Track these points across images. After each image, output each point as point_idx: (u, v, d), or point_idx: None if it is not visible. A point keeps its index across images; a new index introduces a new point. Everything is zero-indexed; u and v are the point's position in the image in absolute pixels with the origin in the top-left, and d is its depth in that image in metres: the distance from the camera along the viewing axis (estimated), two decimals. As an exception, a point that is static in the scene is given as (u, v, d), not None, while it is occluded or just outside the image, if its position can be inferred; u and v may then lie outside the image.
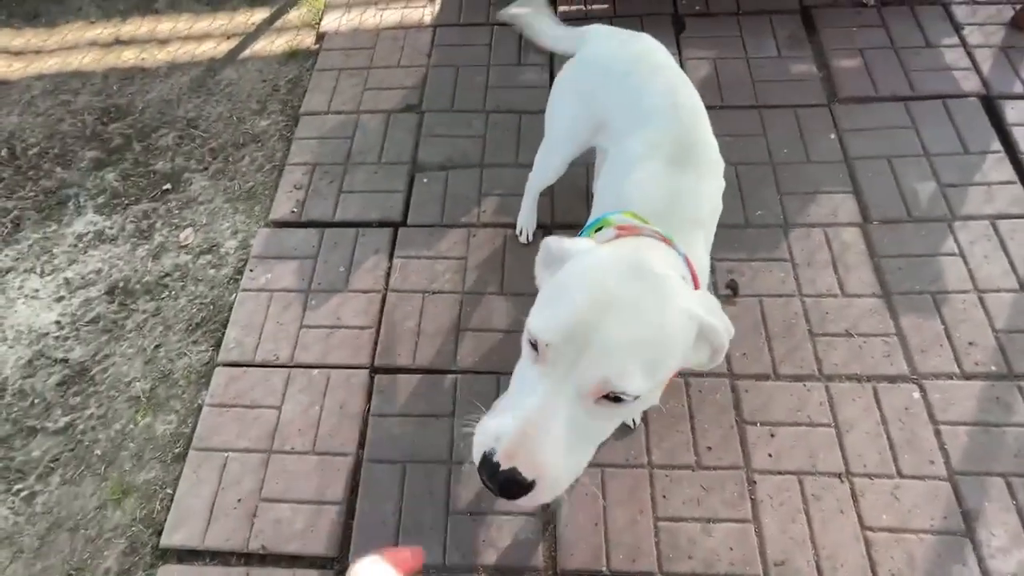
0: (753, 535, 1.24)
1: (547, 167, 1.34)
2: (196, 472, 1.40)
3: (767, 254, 1.58)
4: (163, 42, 2.33)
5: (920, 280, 1.51)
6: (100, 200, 1.95)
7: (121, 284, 1.77)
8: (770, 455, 1.32)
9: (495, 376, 1.46)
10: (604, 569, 1.22)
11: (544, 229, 1.65)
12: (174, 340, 1.66)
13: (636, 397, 0.57)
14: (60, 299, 1.77)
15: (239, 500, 1.35)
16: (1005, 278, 1.49)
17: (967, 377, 1.38)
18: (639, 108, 0.97)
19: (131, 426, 1.54)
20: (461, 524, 1.29)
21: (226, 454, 1.42)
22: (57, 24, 2.46)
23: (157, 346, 1.65)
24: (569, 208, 1.69)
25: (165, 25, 2.38)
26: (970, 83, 1.81)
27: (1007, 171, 1.64)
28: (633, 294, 0.58)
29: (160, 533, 1.35)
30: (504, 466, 0.55)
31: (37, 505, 1.44)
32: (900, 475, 1.28)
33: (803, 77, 1.89)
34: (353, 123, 1.94)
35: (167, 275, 1.78)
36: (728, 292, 1.53)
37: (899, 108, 1.79)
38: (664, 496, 1.29)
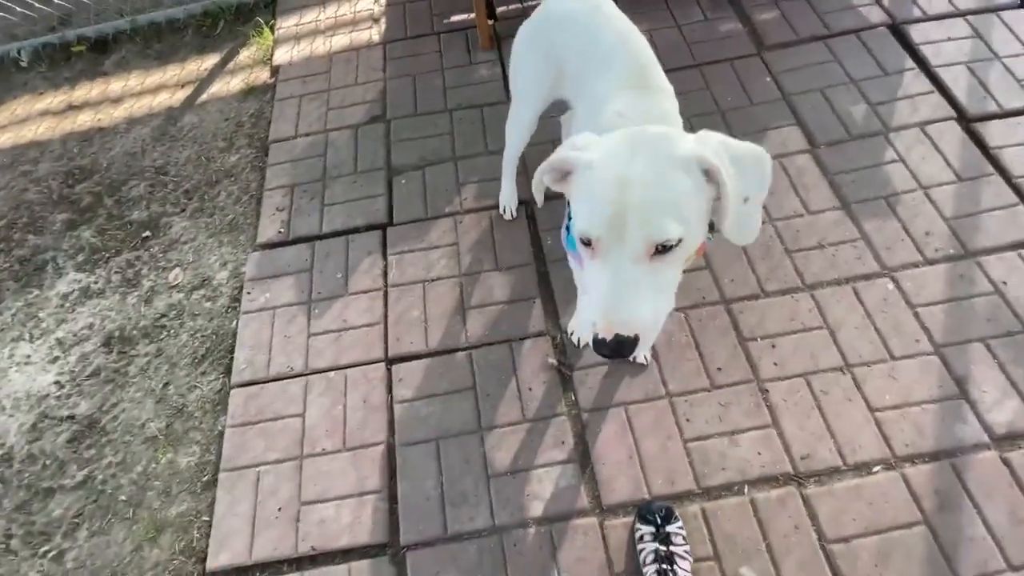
0: (776, 437, 1.32)
1: (519, 127, 1.42)
2: (230, 493, 1.39)
3: (733, 190, 1.70)
4: (117, 100, 2.35)
5: (872, 188, 1.65)
6: (80, 258, 1.94)
7: (117, 334, 1.76)
8: (775, 364, 1.41)
9: (507, 344, 1.51)
10: (647, 495, 1.27)
11: (525, 204, 1.74)
12: (182, 375, 1.65)
13: (680, 241, 0.67)
14: (55, 360, 1.74)
15: (279, 509, 1.35)
16: (943, 173, 1.65)
17: (931, 263, 1.51)
18: (598, 53, 1.08)
19: (153, 466, 1.52)
20: (504, 485, 1.32)
21: (258, 469, 1.42)
22: (4, 100, 2.45)
23: (165, 384, 1.64)
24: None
25: (116, 84, 2.40)
26: (876, 15, 2.01)
27: (924, 83, 1.83)
28: (642, 167, 0.68)
29: (204, 560, 1.34)
30: (609, 338, 0.67)
31: (68, 562, 1.41)
32: (893, 358, 1.39)
33: (731, 34, 2.06)
34: (323, 142, 2.01)
35: (163, 316, 1.78)
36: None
37: (820, 46, 1.97)
38: (688, 420, 1.36)
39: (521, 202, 1.73)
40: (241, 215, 1.95)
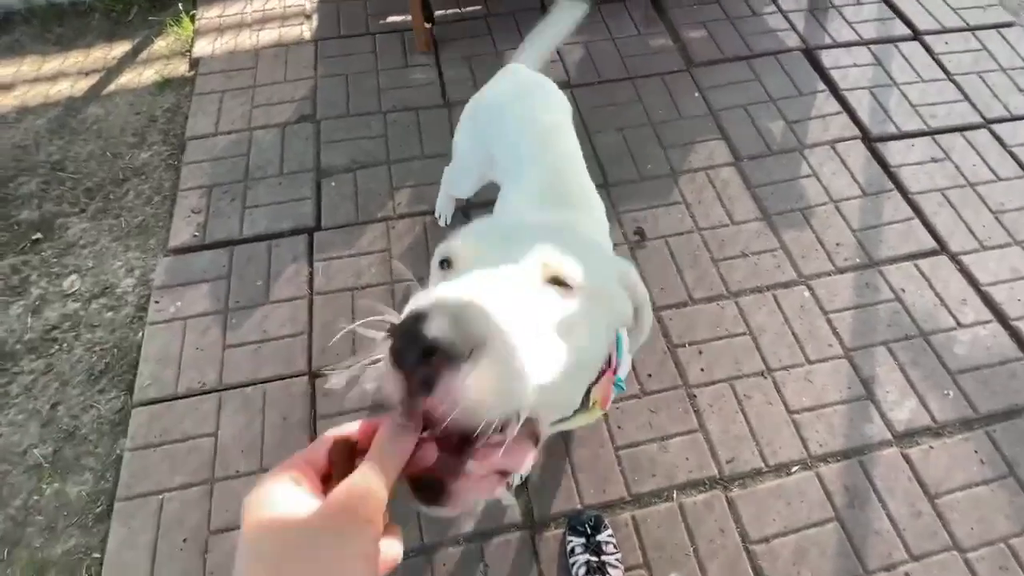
0: (703, 441, 1.35)
1: (456, 188, 1.38)
2: (127, 524, 1.25)
3: (663, 200, 1.75)
4: (7, 87, 2.11)
5: (789, 200, 1.75)
6: (-47, 263, 1.71)
7: (-4, 348, 1.56)
8: (702, 369, 1.45)
9: (440, 354, 1.46)
10: (579, 506, 1.26)
11: (463, 211, 1.70)
12: (75, 394, 1.48)
13: (579, 293, 0.48)
14: (-84, 379, 1.51)
15: (184, 540, 1.23)
16: (850, 188, 1.77)
17: (841, 271, 1.61)
18: (515, 156, 0.98)
19: (35, 498, 1.34)
20: (433, 501, 1.27)
21: (160, 496, 1.29)
22: None
23: (54, 405, 1.47)
24: (486, 187, 1.76)
25: (6, 70, 2.16)
26: (792, 40, 2.14)
27: (834, 104, 1.97)
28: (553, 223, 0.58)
29: (94, 604, 1.19)
30: (436, 316, 0.34)
31: (-77, 616, 1.21)
32: (809, 362, 1.46)
33: (662, 49, 2.13)
34: (246, 140, 1.88)
35: (54, 328, 1.59)
36: (637, 238, 1.67)
37: (743, 66, 2.07)
38: (619, 427, 1.37)
39: (458, 208, 1.69)
40: (152, 217, 1.79)
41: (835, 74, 2.04)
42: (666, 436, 1.35)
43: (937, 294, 1.57)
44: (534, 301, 0.44)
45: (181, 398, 1.42)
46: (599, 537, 1.17)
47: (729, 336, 1.50)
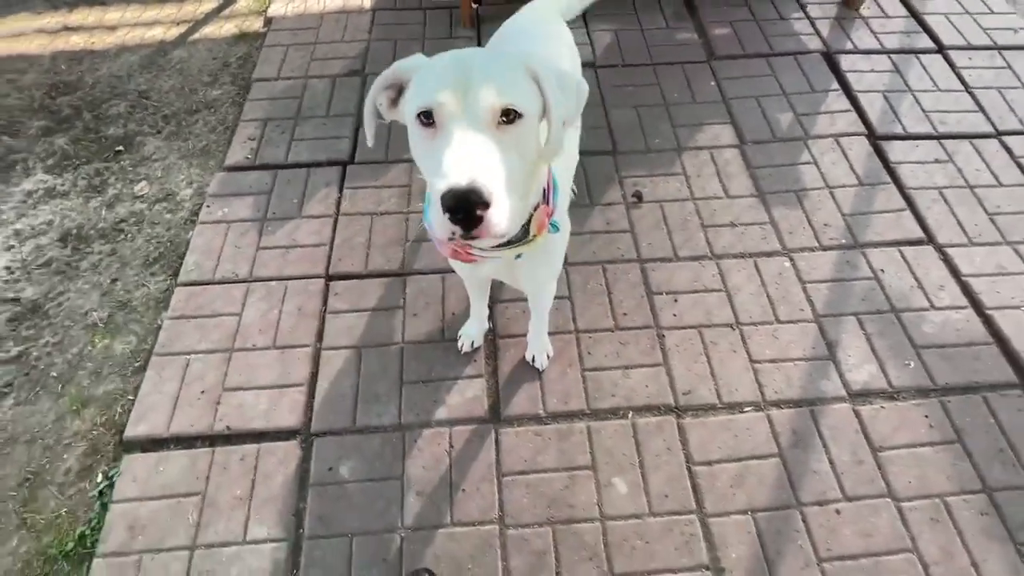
0: (664, 375, 1.47)
1: None
2: (159, 374, 1.48)
3: (665, 170, 1.88)
4: (112, 28, 2.46)
5: (785, 182, 1.85)
6: (50, 162, 2.02)
7: (74, 231, 1.84)
8: (674, 315, 1.57)
9: (440, 275, 1.64)
10: (541, 411, 1.40)
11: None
12: (131, 274, 1.74)
13: (522, 117, 0.68)
14: (9, 248, 1.81)
15: (202, 392, 1.44)
16: (847, 177, 1.86)
17: (825, 249, 1.70)
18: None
19: (88, 348, 1.59)
20: (414, 392, 1.44)
21: (188, 356, 1.51)
22: (1, 16, 2.54)
23: (114, 280, 1.73)
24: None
25: (113, 14, 2.52)
26: (814, 44, 2.25)
27: (844, 103, 2.06)
28: (481, 56, 0.72)
29: (122, 432, 1.41)
30: (462, 185, 0.61)
31: (-10, 425, 1.47)
32: (778, 321, 1.56)
33: (686, 42, 2.28)
34: (302, 86, 2.15)
35: (122, 221, 1.87)
36: (634, 200, 1.81)
37: (762, 62, 2.19)
38: (589, 353, 1.50)
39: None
40: (214, 143, 2.07)
41: (851, 76, 2.13)
42: (630, 366, 1.48)
43: (916, 278, 1.63)
44: (499, 151, 0.66)
45: (216, 283, 1.65)
46: None
47: (705, 291, 1.61)
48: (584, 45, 2.22)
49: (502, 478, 1.31)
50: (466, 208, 0.61)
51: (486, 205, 0.62)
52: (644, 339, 1.52)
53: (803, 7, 2.40)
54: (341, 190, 1.84)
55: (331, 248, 1.71)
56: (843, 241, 1.71)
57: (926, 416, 1.39)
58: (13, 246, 1.81)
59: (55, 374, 1.55)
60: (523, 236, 0.87)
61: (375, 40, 2.30)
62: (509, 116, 0.67)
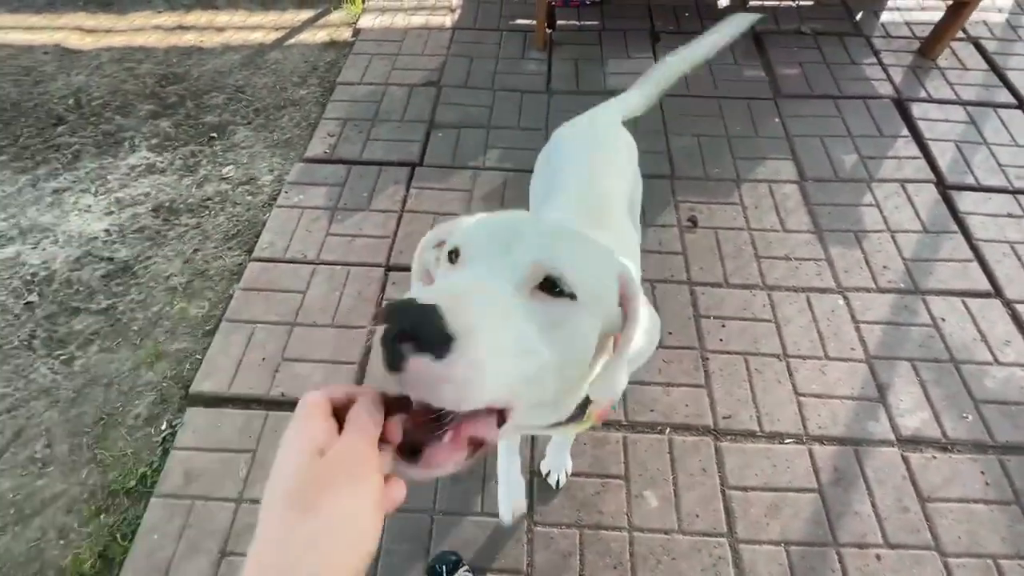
0: (705, 396, 1.47)
1: None
2: (227, 338, 1.60)
3: (723, 199, 1.90)
4: (220, 30, 2.73)
5: (845, 222, 1.83)
6: (153, 142, 2.24)
7: (167, 204, 2.03)
8: (721, 340, 1.57)
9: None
10: (579, 416, 1.42)
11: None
12: (211, 246, 1.90)
13: (572, 296, 0.48)
14: (110, 213, 2.01)
15: (263, 359, 1.55)
16: (911, 223, 1.82)
17: (882, 291, 1.67)
18: (559, 178, 1.06)
19: (167, 308, 1.74)
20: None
21: (254, 326, 1.62)
22: (127, 12, 2.86)
23: (196, 251, 1.89)
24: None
25: (223, 17, 2.79)
26: (885, 89, 2.24)
27: (913, 150, 2.03)
28: (565, 226, 0.56)
29: (188, 387, 1.53)
30: (424, 300, 0.39)
31: (75, 366, 1.62)
32: (827, 357, 1.53)
33: (753, 79, 2.31)
34: (381, 91, 2.30)
35: (208, 199, 2.04)
36: (689, 224, 1.84)
37: (829, 103, 2.20)
38: (631, 366, 1.52)
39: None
40: (297, 136, 2.24)
41: (922, 124, 2.10)
42: (672, 384, 1.49)
43: (980, 331, 1.57)
44: (515, 306, 0.45)
45: (285, 262, 1.77)
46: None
47: (754, 320, 1.61)
48: (651, 74, 2.29)
49: (534, 477, 1.34)
50: (408, 325, 0.38)
51: (446, 340, 0.37)
52: (688, 359, 1.53)
53: (876, 53, 2.39)
54: (408, 189, 1.96)
55: (393, 241, 1.81)
56: (902, 285, 1.68)
57: (982, 472, 1.33)
58: (113, 212, 2.01)
59: (136, 328, 1.70)
60: (577, 416, 0.65)
61: (452, 56, 2.45)
62: (553, 290, 0.48)
